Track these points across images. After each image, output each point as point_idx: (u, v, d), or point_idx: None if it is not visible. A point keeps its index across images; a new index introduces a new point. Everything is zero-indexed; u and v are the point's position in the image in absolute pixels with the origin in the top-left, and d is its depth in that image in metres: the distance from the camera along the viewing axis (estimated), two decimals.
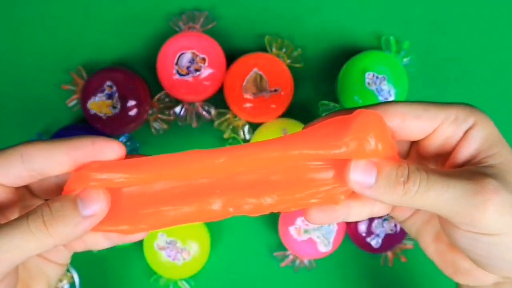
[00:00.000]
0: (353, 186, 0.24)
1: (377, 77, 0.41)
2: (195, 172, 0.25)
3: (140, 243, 0.43)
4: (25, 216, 0.23)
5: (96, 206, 0.23)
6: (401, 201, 0.24)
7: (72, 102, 0.44)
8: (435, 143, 0.26)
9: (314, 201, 0.25)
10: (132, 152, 0.45)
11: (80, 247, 0.28)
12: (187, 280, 0.44)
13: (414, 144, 0.28)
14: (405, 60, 0.43)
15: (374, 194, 0.24)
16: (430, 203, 0.24)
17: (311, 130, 0.25)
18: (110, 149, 0.24)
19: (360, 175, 0.24)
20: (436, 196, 0.23)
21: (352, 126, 0.24)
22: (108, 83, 0.41)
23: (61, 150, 0.24)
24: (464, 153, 0.26)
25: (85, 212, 0.23)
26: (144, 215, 0.25)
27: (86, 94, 0.42)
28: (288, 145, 0.24)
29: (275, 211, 0.25)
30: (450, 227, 0.25)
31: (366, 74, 0.41)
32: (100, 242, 0.28)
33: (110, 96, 0.41)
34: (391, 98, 0.41)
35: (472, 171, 0.24)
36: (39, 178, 0.25)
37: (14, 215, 0.27)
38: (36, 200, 0.28)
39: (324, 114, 0.28)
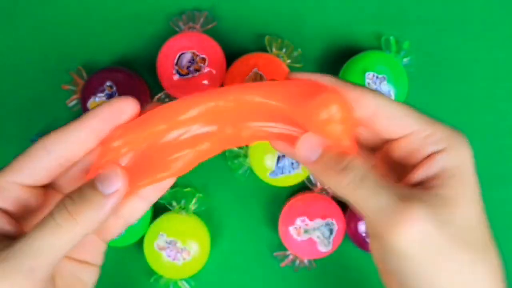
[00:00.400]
0: (298, 156, 0.26)
1: (377, 77, 0.41)
2: (200, 116, 0.27)
3: (140, 243, 0.43)
4: (50, 213, 0.23)
5: (116, 182, 0.23)
6: (334, 187, 0.25)
7: (72, 102, 0.44)
8: (402, 150, 0.26)
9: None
10: None
11: (118, 226, 0.28)
12: (187, 280, 0.44)
13: (387, 143, 0.28)
14: (405, 60, 0.43)
15: (313, 170, 0.25)
16: (356, 200, 0.24)
17: (291, 85, 0.27)
18: (127, 106, 0.24)
19: (306, 149, 0.25)
20: (363, 197, 0.24)
21: (320, 100, 0.25)
22: (108, 83, 0.41)
23: (81, 127, 0.24)
24: (420, 174, 0.25)
25: (106, 191, 0.23)
26: (171, 161, 0.26)
27: (86, 94, 0.42)
28: (270, 94, 0.27)
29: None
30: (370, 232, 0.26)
31: (366, 74, 0.41)
32: (136, 208, 0.27)
33: (110, 96, 0.41)
34: (391, 98, 0.41)
35: (413, 193, 0.24)
36: (67, 166, 0.24)
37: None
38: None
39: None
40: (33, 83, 0.45)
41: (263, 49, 0.43)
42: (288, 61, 0.43)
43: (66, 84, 0.44)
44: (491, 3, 0.44)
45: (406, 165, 0.27)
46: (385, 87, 0.41)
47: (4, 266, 0.21)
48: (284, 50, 0.43)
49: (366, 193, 0.24)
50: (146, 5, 0.44)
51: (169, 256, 0.42)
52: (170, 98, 0.44)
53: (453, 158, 0.25)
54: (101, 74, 0.42)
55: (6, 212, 0.24)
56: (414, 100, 0.44)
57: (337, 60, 0.44)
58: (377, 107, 0.25)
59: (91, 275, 0.28)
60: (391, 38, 0.43)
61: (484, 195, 0.45)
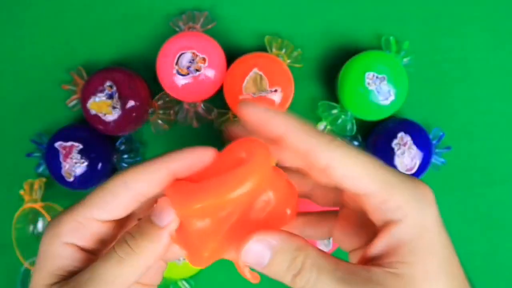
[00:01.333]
0: (246, 264, 0.24)
1: (377, 77, 0.41)
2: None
3: None
4: (112, 248, 0.23)
5: (169, 214, 0.24)
6: (290, 285, 0.24)
7: (72, 102, 0.44)
8: (363, 205, 0.25)
9: None
10: (132, 153, 0.45)
11: (172, 256, 0.28)
12: (187, 280, 0.44)
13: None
14: (405, 60, 0.43)
15: (267, 273, 0.24)
16: None
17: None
18: (208, 155, 0.25)
19: (253, 257, 0.24)
20: None
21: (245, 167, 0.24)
22: (108, 83, 0.41)
23: (161, 166, 0.24)
24: (376, 248, 0.24)
25: (162, 223, 0.24)
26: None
27: (86, 94, 0.42)
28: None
29: None
30: None
31: (366, 74, 0.41)
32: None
33: (110, 96, 0.41)
34: (391, 98, 0.41)
35: (369, 277, 0.23)
36: (143, 201, 0.25)
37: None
38: (133, 223, 0.28)
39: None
40: (33, 83, 0.45)
41: (263, 49, 0.43)
42: (288, 61, 0.43)
43: (66, 84, 0.44)
44: (491, 3, 0.44)
45: (365, 227, 0.26)
46: (385, 87, 0.41)
47: None
48: (284, 50, 0.43)
49: None
50: (146, 5, 0.44)
51: None
52: (170, 98, 0.44)
53: (411, 229, 0.23)
54: (101, 74, 0.42)
55: (81, 249, 0.24)
56: (414, 100, 0.44)
57: (337, 60, 0.44)
58: (331, 162, 0.23)
59: None
60: (391, 38, 0.43)
61: (485, 195, 0.45)
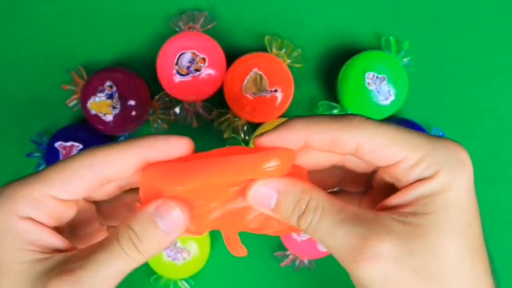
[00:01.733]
0: (253, 206, 0.25)
1: (377, 77, 0.41)
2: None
3: None
4: (116, 241, 0.23)
5: (176, 222, 0.23)
6: (298, 228, 0.24)
7: (72, 102, 0.44)
8: (390, 177, 0.25)
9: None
10: None
11: None
12: (187, 280, 0.44)
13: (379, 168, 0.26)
14: (405, 60, 0.43)
15: (274, 215, 0.25)
16: (319, 241, 0.24)
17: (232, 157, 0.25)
18: (182, 145, 0.24)
19: (260, 198, 0.24)
20: (322, 239, 0.23)
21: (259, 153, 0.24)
22: (108, 83, 0.41)
23: (133, 152, 0.23)
24: (396, 199, 0.24)
25: (167, 230, 0.23)
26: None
27: (86, 94, 0.42)
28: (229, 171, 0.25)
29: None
30: None
31: (366, 74, 0.41)
32: None
33: (110, 96, 0.41)
34: (391, 98, 0.41)
35: (374, 220, 0.23)
36: (106, 184, 0.24)
37: (67, 226, 0.26)
38: (89, 204, 0.28)
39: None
40: (33, 83, 0.45)
41: (263, 49, 0.43)
42: (288, 61, 0.43)
43: (66, 84, 0.44)
44: (491, 3, 0.44)
45: (395, 189, 0.25)
46: (385, 87, 0.41)
47: (74, 284, 0.21)
48: (284, 50, 0.43)
49: (325, 234, 0.23)
50: (146, 5, 0.44)
51: (169, 256, 0.42)
52: (170, 98, 0.44)
53: (437, 185, 0.23)
54: (101, 74, 0.42)
55: (44, 225, 0.23)
56: (414, 100, 0.44)
57: (337, 60, 0.44)
58: (358, 144, 0.23)
59: None
60: (391, 38, 0.43)
61: (484, 194, 0.45)
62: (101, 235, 0.29)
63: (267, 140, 0.24)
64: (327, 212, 0.23)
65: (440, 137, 0.24)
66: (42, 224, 0.23)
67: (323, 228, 0.23)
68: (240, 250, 0.26)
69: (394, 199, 0.24)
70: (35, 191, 0.23)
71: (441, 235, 0.22)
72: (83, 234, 0.28)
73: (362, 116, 0.24)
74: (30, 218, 0.23)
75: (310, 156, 0.26)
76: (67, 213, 0.25)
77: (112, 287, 0.23)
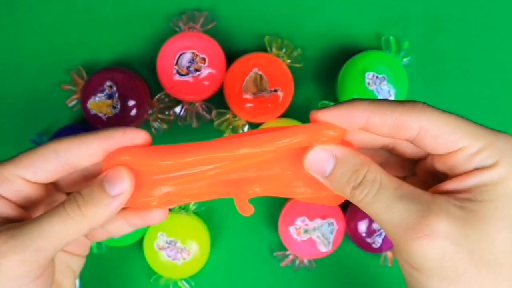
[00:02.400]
0: (309, 170, 0.25)
1: (377, 77, 0.41)
2: (208, 161, 0.26)
3: (140, 243, 0.43)
4: (62, 204, 0.24)
5: (122, 184, 0.25)
6: (350, 199, 0.24)
7: (72, 102, 0.44)
8: (446, 165, 0.25)
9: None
10: None
11: (103, 236, 0.30)
12: (187, 280, 0.44)
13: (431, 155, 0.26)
14: (405, 60, 0.43)
15: (327, 184, 0.25)
16: (372, 215, 0.24)
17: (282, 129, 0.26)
18: (139, 137, 0.26)
19: (317, 163, 0.24)
20: (378, 212, 0.23)
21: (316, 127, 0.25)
22: (108, 83, 0.41)
23: (93, 141, 0.25)
24: (455, 184, 0.24)
25: (113, 192, 0.24)
26: (166, 194, 0.27)
27: (86, 94, 0.42)
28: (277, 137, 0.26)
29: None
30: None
31: (366, 74, 0.41)
32: (122, 228, 0.29)
33: (110, 96, 0.41)
34: (391, 98, 0.41)
35: (431, 201, 0.23)
36: (71, 171, 0.26)
37: (40, 211, 0.28)
38: (61, 195, 0.29)
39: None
40: (33, 83, 0.45)
41: (263, 49, 0.43)
42: (288, 61, 0.43)
43: (66, 84, 0.44)
44: (491, 3, 0.44)
45: (448, 177, 0.25)
46: (385, 87, 0.41)
47: (14, 242, 0.23)
48: (284, 50, 0.43)
49: (382, 209, 0.23)
50: (146, 5, 0.44)
51: (169, 256, 0.42)
52: (170, 98, 0.44)
53: (497, 175, 0.23)
54: (101, 74, 0.42)
55: (8, 200, 0.25)
56: (414, 99, 0.44)
57: (337, 60, 0.44)
58: (422, 128, 0.24)
59: (79, 263, 0.31)
60: (391, 38, 0.43)
61: None
62: None
63: (327, 115, 0.25)
64: (385, 186, 0.23)
65: (499, 131, 0.25)
66: (5, 198, 0.25)
67: (381, 201, 0.23)
68: (248, 209, 0.27)
69: (451, 184, 0.24)
70: (5, 170, 0.25)
71: (498, 223, 0.22)
72: None
73: (423, 102, 0.24)
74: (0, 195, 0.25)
75: (364, 135, 0.27)
76: (35, 195, 0.26)
77: (56, 248, 0.24)
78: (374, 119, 0.24)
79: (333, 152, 0.24)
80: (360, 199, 0.24)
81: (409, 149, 0.27)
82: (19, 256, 0.23)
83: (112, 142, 0.26)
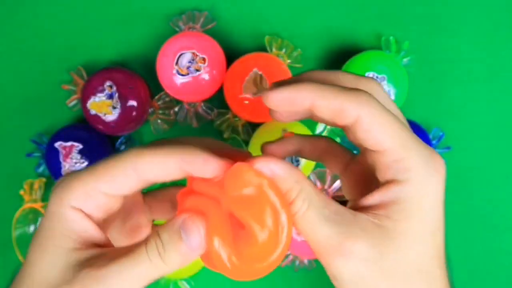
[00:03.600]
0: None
1: (377, 77, 0.41)
2: None
3: None
4: (143, 246, 0.23)
5: (198, 238, 0.24)
6: None
7: (72, 102, 0.44)
8: (373, 162, 0.25)
9: None
10: None
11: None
12: (187, 280, 0.44)
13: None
14: (405, 60, 0.43)
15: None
16: (301, 231, 0.25)
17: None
18: (215, 168, 0.24)
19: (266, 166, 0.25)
20: (304, 229, 0.25)
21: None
22: (108, 83, 0.41)
23: (173, 161, 0.24)
24: (373, 199, 0.25)
25: (189, 245, 0.24)
26: None
27: (86, 94, 0.42)
28: None
29: None
30: None
31: (366, 74, 0.41)
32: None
33: (110, 96, 0.41)
34: (391, 98, 0.41)
35: (354, 220, 0.24)
36: (149, 184, 0.25)
37: (116, 222, 0.28)
38: (137, 198, 0.29)
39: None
40: (33, 83, 0.45)
41: (263, 49, 0.43)
42: (288, 61, 0.43)
43: (66, 84, 0.44)
44: (490, 3, 0.44)
45: (375, 178, 0.26)
46: (385, 86, 0.41)
47: (101, 285, 0.22)
48: (284, 50, 0.43)
49: (308, 226, 0.24)
50: (146, 5, 0.44)
51: None
52: (170, 98, 0.44)
53: (411, 191, 0.24)
54: (101, 74, 0.42)
55: (91, 218, 0.25)
56: (414, 99, 0.44)
57: (337, 60, 0.44)
58: (358, 117, 0.24)
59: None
60: (391, 38, 0.43)
61: (484, 194, 0.45)
62: (146, 231, 0.30)
63: (276, 97, 0.25)
64: (313, 205, 0.24)
65: (427, 145, 0.25)
66: (89, 216, 0.24)
67: (307, 220, 0.24)
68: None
69: (371, 199, 0.25)
70: (87, 185, 0.24)
71: (411, 240, 0.24)
72: (129, 227, 0.29)
73: (370, 94, 0.24)
74: (80, 210, 0.24)
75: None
76: (114, 207, 0.26)
77: None
78: (320, 101, 0.24)
79: (272, 168, 0.24)
80: (293, 213, 0.25)
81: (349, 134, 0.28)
82: None
83: (191, 169, 0.24)
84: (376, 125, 0.24)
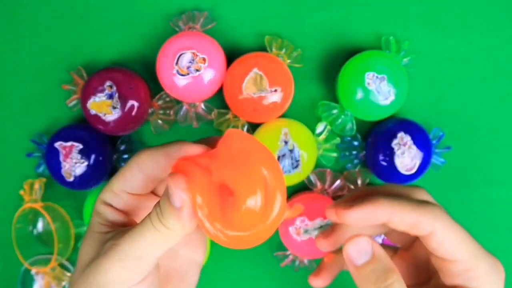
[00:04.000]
0: (345, 255, 0.28)
1: (377, 77, 0.41)
2: None
3: None
4: (148, 217, 0.26)
5: (180, 196, 0.25)
6: None
7: (72, 102, 0.44)
8: (438, 264, 0.28)
9: None
10: (132, 153, 0.45)
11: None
12: None
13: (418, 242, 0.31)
14: (405, 60, 0.43)
15: (353, 272, 0.28)
16: None
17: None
18: (193, 150, 0.27)
19: (355, 251, 0.28)
20: None
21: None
22: (108, 83, 0.41)
23: (161, 156, 0.27)
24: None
25: (176, 205, 0.25)
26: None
27: (86, 94, 0.42)
28: None
29: None
30: None
31: (366, 74, 0.41)
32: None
33: (110, 96, 0.41)
34: (391, 98, 0.41)
35: None
36: (155, 183, 0.28)
37: (142, 215, 0.30)
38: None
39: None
40: (33, 83, 0.45)
41: (263, 49, 0.43)
42: (288, 61, 0.43)
43: (66, 84, 0.44)
44: (490, 3, 0.44)
45: (430, 270, 0.29)
46: (385, 87, 0.41)
47: (118, 251, 0.26)
48: (284, 50, 0.43)
49: None
50: (146, 5, 0.44)
51: None
52: (170, 98, 0.44)
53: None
54: (101, 74, 0.42)
55: (116, 209, 0.29)
56: (414, 99, 0.44)
57: (337, 60, 0.44)
58: (433, 231, 0.27)
59: (199, 255, 0.32)
60: (391, 38, 0.43)
61: (485, 195, 0.45)
62: None
63: (353, 215, 0.28)
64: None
65: (489, 252, 0.29)
66: (116, 209, 0.29)
67: None
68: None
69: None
70: (113, 186, 0.28)
71: None
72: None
73: (441, 207, 0.28)
74: (110, 205, 0.29)
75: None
76: (137, 203, 0.29)
77: (149, 257, 0.26)
78: (395, 217, 0.27)
79: (373, 247, 0.28)
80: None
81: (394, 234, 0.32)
82: (122, 263, 0.26)
83: (172, 157, 0.26)
84: (449, 238, 0.27)
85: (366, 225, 0.29)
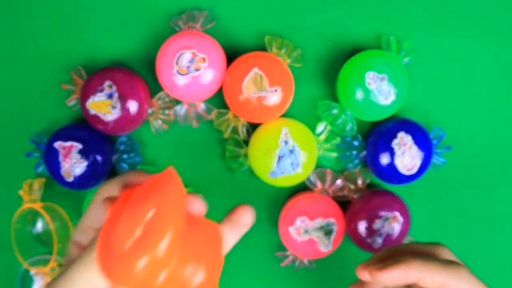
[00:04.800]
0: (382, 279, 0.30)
1: (377, 77, 0.41)
2: None
3: None
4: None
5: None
6: None
7: (72, 102, 0.44)
8: None
9: None
10: (131, 153, 0.45)
11: None
12: None
13: None
14: (405, 60, 0.43)
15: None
16: None
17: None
18: (141, 179, 0.29)
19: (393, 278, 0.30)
20: None
21: None
22: (108, 83, 0.41)
23: (117, 187, 0.29)
24: None
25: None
26: None
27: (86, 94, 0.42)
28: None
29: None
30: None
31: (366, 74, 0.41)
32: None
33: (109, 96, 0.41)
34: (392, 98, 0.41)
35: None
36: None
37: None
38: None
39: None
40: (33, 83, 0.45)
41: (263, 49, 0.43)
42: (288, 61, 0.43)
43: (66, 84, 0.44)
44: (491, 3, 0.44)
45: None
46: (386, 86, 0.41)
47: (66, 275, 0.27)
48: (284, 50, 0.43)
49: None
50: (146, 5, 0.44)
51: None
52: (170, 98, 0.44)
53: None
54: (101, 74, 0.42)
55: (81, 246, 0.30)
56: (415, 99, 0.44)
57: (337, 60, 0.44)
58: None
59: None
60: (391, 38, 0.43)
61: (485, 195, 0.45)
62: None
63: (388, 276, 0.30)
64: None
65: None
66: (80, 245, 0.30)
67: None
68: None
69: None
70: (82, 224, 0.30)
71: None
72: None
73: (466, 267, 0.30)
74: (78, 243, 0.30)
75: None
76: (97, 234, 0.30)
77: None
78: (426, 278, 0.29)
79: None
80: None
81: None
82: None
83: (126, 186, 0.29)
84: None
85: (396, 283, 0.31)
